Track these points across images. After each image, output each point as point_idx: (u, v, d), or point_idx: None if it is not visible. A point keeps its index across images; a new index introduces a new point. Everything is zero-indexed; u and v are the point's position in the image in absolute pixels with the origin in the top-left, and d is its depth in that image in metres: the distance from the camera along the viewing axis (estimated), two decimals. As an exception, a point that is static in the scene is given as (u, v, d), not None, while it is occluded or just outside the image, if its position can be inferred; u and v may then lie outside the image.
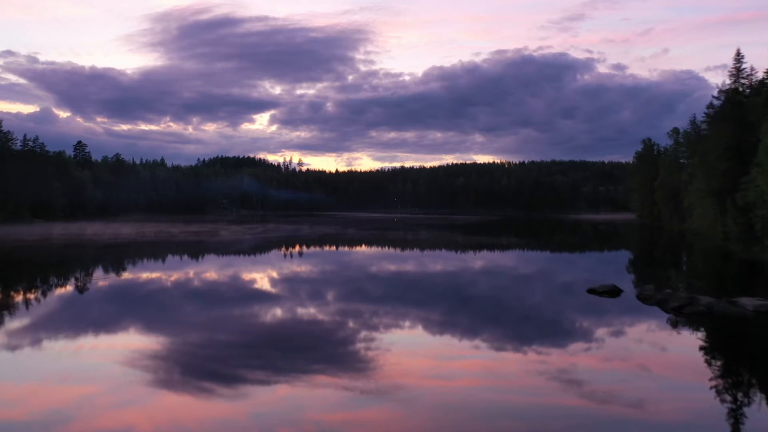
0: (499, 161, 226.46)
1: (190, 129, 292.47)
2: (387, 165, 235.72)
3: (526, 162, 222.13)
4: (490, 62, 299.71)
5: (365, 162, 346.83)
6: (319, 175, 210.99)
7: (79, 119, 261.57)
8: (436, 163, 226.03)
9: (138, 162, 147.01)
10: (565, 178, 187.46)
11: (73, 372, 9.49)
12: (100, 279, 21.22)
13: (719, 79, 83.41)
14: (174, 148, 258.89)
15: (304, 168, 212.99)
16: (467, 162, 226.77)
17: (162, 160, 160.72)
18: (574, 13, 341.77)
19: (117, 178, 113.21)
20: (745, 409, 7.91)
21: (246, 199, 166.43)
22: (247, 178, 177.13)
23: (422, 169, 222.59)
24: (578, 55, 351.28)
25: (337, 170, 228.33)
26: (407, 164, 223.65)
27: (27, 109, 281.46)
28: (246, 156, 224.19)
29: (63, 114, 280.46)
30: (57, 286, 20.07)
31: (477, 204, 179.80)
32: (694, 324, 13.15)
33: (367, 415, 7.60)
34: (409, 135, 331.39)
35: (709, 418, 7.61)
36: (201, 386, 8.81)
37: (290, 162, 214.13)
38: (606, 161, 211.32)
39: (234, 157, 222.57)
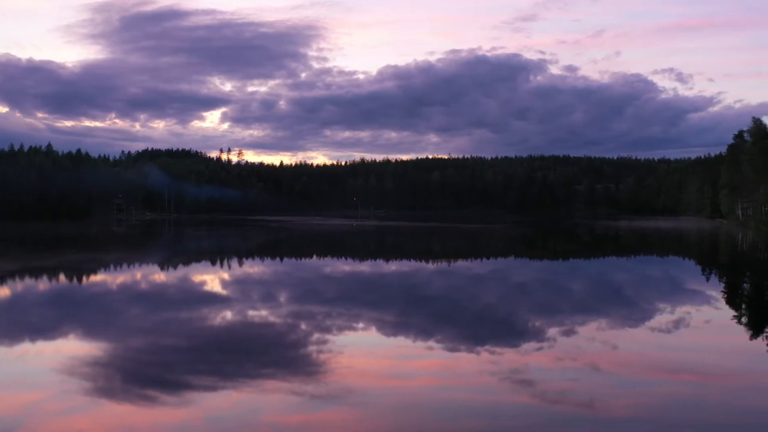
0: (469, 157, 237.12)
1: (137, 126, 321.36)
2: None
3: (497, 157, 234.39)
4: (444, 62, 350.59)
5: (320, 161, 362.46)
6: (258, 169, 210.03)
7: (18, 114, 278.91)
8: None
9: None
10: (556, 175, 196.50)
11: (18, 378, 11.39)
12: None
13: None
14: (121, 145, 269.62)
15: (243, 161, 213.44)
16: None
17: (49, 146, 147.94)
18: (526, 14, 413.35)
19: None
20: (697, 404, 10.38)
21: (156, 198, 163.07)
22: (154, 170, 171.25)
23: (387, 163, 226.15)
24: (531, 56, 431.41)
25: (282, 163, 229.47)
26: (368, 158, 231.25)
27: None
28: (181, 149, 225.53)
29: (1, 109, 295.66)
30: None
31: (457, 204, 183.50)
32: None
33: (326, 416, 9.69)
34: (364, 134, 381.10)
35: (659, 413, 9.98)
36: (154, 391, 10.75)
37: (228, 154, 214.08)
38: (593, 156, 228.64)
39: (167, 150, 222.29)
